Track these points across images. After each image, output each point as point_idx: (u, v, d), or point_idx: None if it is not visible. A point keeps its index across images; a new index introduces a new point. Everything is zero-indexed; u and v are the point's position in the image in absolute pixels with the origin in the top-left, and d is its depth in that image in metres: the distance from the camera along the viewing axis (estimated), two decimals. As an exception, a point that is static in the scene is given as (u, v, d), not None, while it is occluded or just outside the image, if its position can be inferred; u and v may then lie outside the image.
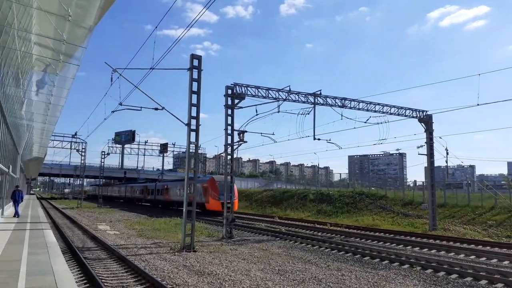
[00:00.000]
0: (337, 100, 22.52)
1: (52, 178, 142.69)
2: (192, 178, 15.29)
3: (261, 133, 19.97)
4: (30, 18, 11.96)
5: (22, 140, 27.60)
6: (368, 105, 23.59)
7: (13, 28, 10.84)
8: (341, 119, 22.34)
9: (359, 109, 23.30)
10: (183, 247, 14.40)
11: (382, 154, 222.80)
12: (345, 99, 22.85)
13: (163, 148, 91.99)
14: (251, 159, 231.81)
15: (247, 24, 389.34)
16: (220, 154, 19.96)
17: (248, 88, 19.92)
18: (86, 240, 17.53)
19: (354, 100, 23.14)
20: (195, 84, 15.25)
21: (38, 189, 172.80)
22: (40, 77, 15.37)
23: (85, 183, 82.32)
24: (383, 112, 24.13)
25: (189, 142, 15.04)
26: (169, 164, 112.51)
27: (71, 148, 53.40)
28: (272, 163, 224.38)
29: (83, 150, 49.92)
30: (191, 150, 15.13)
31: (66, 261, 10.45)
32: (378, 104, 23.89)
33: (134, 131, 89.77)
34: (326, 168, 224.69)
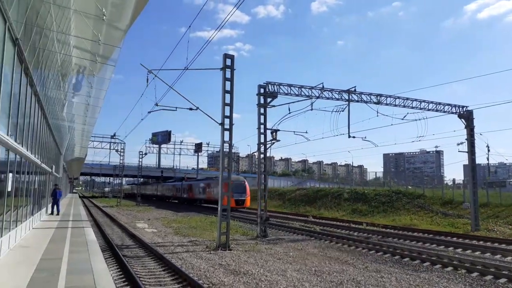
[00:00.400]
0: (372, 97, 21.96)
1: (92, 177, 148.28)
2: (228, 177, 15.36)
3: (294, 132, 19.81)
4: (69, 21, 12.38)
5: (64, 141, 28.79)
6: (404, 101, 22.86)
7: (52, 31, 11.23)
8: (377, 116, 21.75)
9: (395, 105, 22.62)
10: (218, 245, 14.50)
11: (418, 152, 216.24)
12: (380, 95, 22.24)
13: (198, 147, 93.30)
14: (283, 158, 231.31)
15: (278, 23, 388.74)
16: (253, 153, 19.99)
17: (281, 86, 19.78)
18: (125, 238, 18.02)
19: (390, 96, 22.49)
20: (228, 83, 15.29)
21: (80, 188, 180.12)
22: (78, 79, 15.94)
23: (123, 182, 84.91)
24: (420, 108, 23.31)
25: (223, 141, 15.10)
26: (203, 163, 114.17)
27: (110, 149, 55.29)
28: (304, 161, 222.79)
29: (122, 150, 51.50)
30: (225, 150, 15.20)
31: (106, 259, 10.78)
32: (416, 100, 23.09)
33: (170, 131, 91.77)
34: (360, 166, 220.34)
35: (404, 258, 13.88)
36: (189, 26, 13.98)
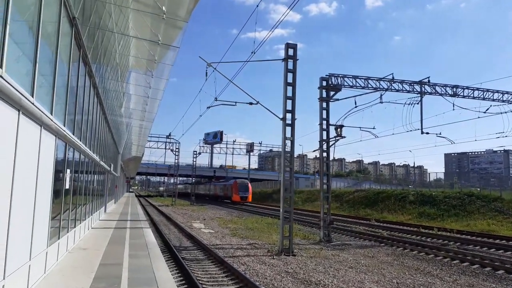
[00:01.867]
0: (447, 88, 19.80)
1: (148, 177, 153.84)
2: (291, 177, 14.20)
3: (360, 128, 18.22)
4: (127, 20, 11.93)
5: (122, 139, 29.17)
6: (484, 93, 20.43)
7: (112, 32, 10.81)
8: (453, 109, 19.55)
9: (474, 97, 20.26)
10: (281, 250, 13.39)
11: (484, 152, 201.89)
12: (457, 86, 20.01)
13: (250, 147, 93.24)
14: (336, 158, 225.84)
15: (331, 21, 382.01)
16: (315, 150, 18.64)
17: (345, 78, 18.31)
18: (182, 238, 17.48)
19: (467, 88, 20.17)
20: (290, 75, 14.16)
21: (136, 187, 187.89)
22: (137, 76, 15.63)
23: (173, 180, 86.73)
24: (503, 101, 20.74)
25: (285, 138, 13.97)
26: (255, 163, 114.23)
27: (165, 148, 56.21)
28: (359, 162, 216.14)
29: (177, 150, 52.15)
30: (286, 148, 14.05)
31: (165, 261, 10.00)
32: (498, 91, 20.56)
33: (222, 131, 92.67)
34: (420, 167, 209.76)
35: (497, 270, 11.96)
36: (242, 28, 13.07)
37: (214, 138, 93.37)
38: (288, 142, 14.09)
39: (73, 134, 8.00)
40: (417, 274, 11.00)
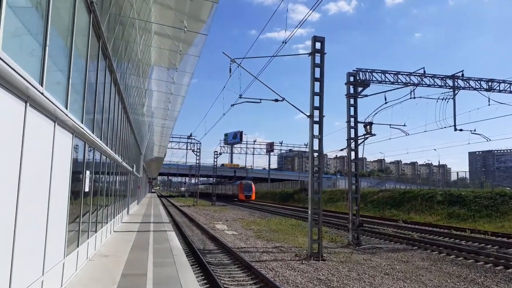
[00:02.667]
0: (482, 82, 18.67)
1: (169, 177, 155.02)
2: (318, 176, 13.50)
3: (390, 125, 17.33)
4: (150, 9, 11.46)
5: (145, 140, 28.94)
6: (523, 87, 19.19)
7: (134, 21, 10.36)
8: (489, 104, 18.43)
9: (511, 91, 19.06)
10: (310, 254, 12.70)
11: (511, 150, 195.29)
12: (492, 80, 18.86)
13: (270, 147, 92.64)
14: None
15: (350, 19, 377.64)
16: (342, 149, 17.96)
17: (374, 73, 17.46)
18: (206, 241, 16.99)
19: (504, 82, 18.99)
20: (317, 70, 13.45)
21: (158, 187, 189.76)
22: (160, 72, 15.13)
23: (195, 181, 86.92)
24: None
25: (312, 136, 13.27)
26: (275, 163, 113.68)
27: (187, 149, 56.09)
28: (380, 161, 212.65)
29: (198, 150, 51.99)
30: (314, 147, 13.33)
31: (191, 265, 9.43)
32: (537, 84, 19.29)
33: (242, 132, 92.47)
34: (444, 166, 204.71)
35: (548, 278, 10.95)
36: (262, 30, 12.47)
37: (234, 139, 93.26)
38: (316, 141, 13.38)
39: (93, 133, 7.53)
40: (460, 282, 10.14)
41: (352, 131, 16.96)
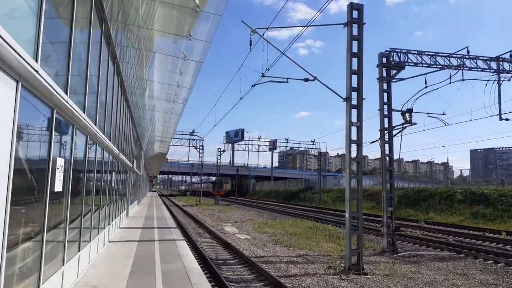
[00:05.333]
0: (530, 66, 16.41)
1: (170, 176, 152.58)
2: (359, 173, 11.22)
3: (428, 114, 15.05)
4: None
5: (146, 132, 26.60)
6: None
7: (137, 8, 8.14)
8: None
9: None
10: (348, 267, 10.45)
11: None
12: (541, 63, 16.59)
13: (272, 145, 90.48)
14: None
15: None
16: (373, 141, 15.97)
17: (409, 54, 15.22)
18: (217, 247, 14.72)
19: (554, 65, 16.72)
20: (355, 43, 11.20)
21: (158, 186, 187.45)
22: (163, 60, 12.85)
23: (196, 180, 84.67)
24: None
25: (350, 123, 11.00)
26: (276, 161, 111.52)
27: (189, 146, 53.72)
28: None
29: (201, 147, 49.70)
30: (352, 137, 11.06)
31: (208, 280, 7.11)
32: None
33: (243, 129, 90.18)
34: (445, 163, 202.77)
35: None
36: (266, 29, 10.17)
37: (235, 136, 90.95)
38: (354, 129, 11.12)
39: (66, 95, 5.21)
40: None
41: (386, 120, 14.75)
